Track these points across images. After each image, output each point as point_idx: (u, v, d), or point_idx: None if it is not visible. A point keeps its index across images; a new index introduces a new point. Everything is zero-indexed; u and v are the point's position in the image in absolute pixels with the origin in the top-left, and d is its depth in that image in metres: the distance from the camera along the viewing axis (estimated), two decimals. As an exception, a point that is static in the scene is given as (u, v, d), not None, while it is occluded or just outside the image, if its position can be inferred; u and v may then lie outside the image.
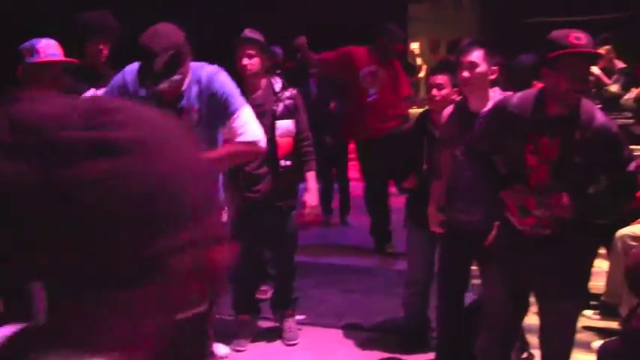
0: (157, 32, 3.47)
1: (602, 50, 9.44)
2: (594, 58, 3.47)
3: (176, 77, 3.42)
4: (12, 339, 0.83)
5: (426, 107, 5.03)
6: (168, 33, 3.48)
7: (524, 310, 3.88)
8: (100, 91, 4.99)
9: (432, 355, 4.60)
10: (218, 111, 3.73)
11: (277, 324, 5.40)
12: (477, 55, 4.17)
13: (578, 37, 3.35)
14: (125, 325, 0.84)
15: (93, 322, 0.82)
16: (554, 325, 3.78)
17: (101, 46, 4.97)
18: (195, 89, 3.68)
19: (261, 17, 11.89)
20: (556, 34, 3.44)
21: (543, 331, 3.86)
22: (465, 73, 4.17)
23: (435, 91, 4.66)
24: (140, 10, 7.35)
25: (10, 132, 0.79)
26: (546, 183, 3.52)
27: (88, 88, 4.99)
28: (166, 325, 0.87)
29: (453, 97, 4.56)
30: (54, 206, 0.77)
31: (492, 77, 4.23)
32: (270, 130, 4.82)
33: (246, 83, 4.79)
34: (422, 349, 4.95)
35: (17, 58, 3.74)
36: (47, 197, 0.77)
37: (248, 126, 3.76)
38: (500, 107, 3.71)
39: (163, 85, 3.40)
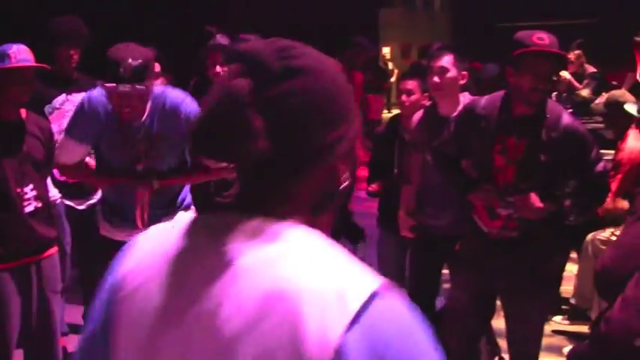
0: (128, 45, 3.54)
1: (572, 55, 9.53)
2: (557, 59, 3.49)
3: (139, 86, 3.40)
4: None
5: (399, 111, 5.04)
6: (138, 47, 3.54)
7: (489, 313, 3.89)
8: (72, 96, 4.97)
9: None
10: (180, 134, 3.72)
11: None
12: (447, 60, 4.19)
13: (541, 38, 3.40)
14: (310, 194, 1.24)
15: (289, 194, 1.23)
16: (521, 327, 3.78)
17: (72, 52, 4.96)
18: (156, 113, 3.72)
19: (226, 18, 11.92)
20: (520, 34, 3.49)
21: (510, 335, 3.86)
22: (436, 78, 4.19)
23: (404, 97, 4.68)
24: (109, 14, 7.31)
25: (237, 60, 1.23)
26: (513, 183, 3.54)
27: (59, 93, 4.96)
28: (335, 193, 1.27)
29: (423, 102, 4.57)
30: (265, 108, 1.17)
31: (462, 82, 4.25)
32: None
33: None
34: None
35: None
36: (259, 102, 1.17)
37: None
38: (468, 110, 3.75)
39: (124, 88, 3.37)
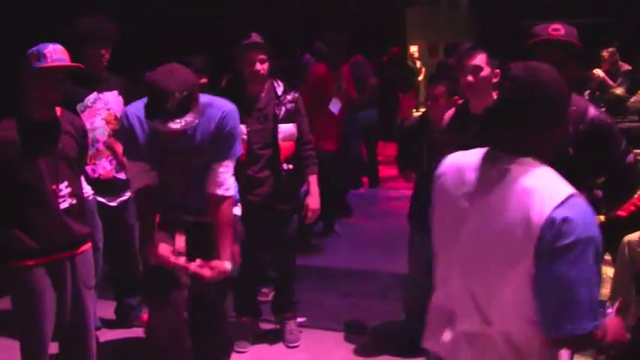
0: (172, 72, 3.43)
1: (605, 53, 9.44)
2: (571, 48, 3.47)
3: (188, 117, 3.36)
4: None
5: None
6: (182, 74, 3.45)
7: None
8: (103, 95, 5.04)
9: None
10: (218, 150, 3.76)
11: (278, 326, 5.43)
12: (480, 59, 4.18)
13: (557, 29, 3.41)
14: (546, 147, 2.31)
15: (537, 147, 2.29)
16: None
17: (102, 51, 5.03)
18: (203, 126, 3.68)
19: (246, 16, 11.95)
20: (539, 26, 3.49)
21: None
22: (470, 77, 4.17)
23: (429, 103, 4.72)
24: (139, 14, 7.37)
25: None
26: None
27: (90, 92, 5.02)
28: (558, 146, 2.39)
29: (451, 106, 4.58)
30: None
31: (495, 80, 4.23)
32: (272, 133, 4.87)
33: (249, 88, 4.82)
34: (422, 354, 4.95)
35: (20, 62, 3.76)
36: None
37: (229, 178, 3.84)
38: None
39: (175, 125, 3.33)
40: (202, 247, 3.73)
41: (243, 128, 4.72)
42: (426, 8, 22.55)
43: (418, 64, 17.63)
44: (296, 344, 5.26)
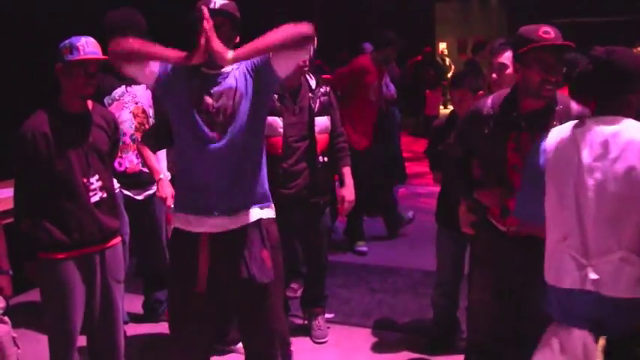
0: None
1: (635, 52, 9.32)
2: (564, 50, 3.44)
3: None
4: None
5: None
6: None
7: (512, 313, 3.82)
8: (131, 88, 5.04)
9: (460, 357, 4.56)
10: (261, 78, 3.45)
11: (306, 322, 5.42)
12: (507, 57, 4.16)
13: (547, 31, 3.37)
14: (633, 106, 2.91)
15: (628, 105, 2.89)
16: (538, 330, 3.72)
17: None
18: (239, 70, 3.45)
19: (279, 13, 11.93)
20: (525, 29, 3.45)
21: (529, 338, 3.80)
22: (494, 75, 4.16)
23: (455, 105, 4.71)
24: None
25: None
26: None
27: (119, 85, 5.04)
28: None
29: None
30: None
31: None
32: (309, 126, 4.87)
33: (290, 83, 4.83)
34: (450, 351, 4.94)
35: (54, 56, 3.78)
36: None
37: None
38: (474, 111, 3.71)
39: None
40: None
41: (279, 121, 4.75)
42: (457, 4, 22.46)
43: (447, 61, 17.59)
44: (324, 340, 5.25)
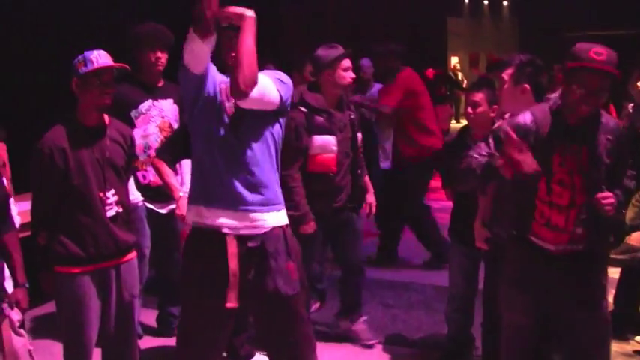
0: None
1: None
2: (611, 76, 3.41)
3: None
4: None
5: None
6: None
7: (549, 335, 3.79)
8: (158, 102, 5.08)
9: (474, 372, 4.58)
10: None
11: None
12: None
13: (599, 53, 3.33)
14: None
15: None
16: (587, 349, 3.64)
17: (158, 54, 5.06)
18: None
19: (290, 29, 11.96)
20: (580, 46, 3.41)
21: (574, 355, 3.71)
22: (469, 109, 4.20)
23: (470, 109, 4.66)
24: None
25: None
26: (579, 194, 3.48)
27: (145, 99, 5.07)
28: None
29: (491, 114, 4.55)
30: None
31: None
32: (353, 142, 5.08)
33: (335, 100, 4.99)
34: (464, 365, 4.93)
35: (69, 71, 3.82)
36: None
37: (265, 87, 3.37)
38: (515, 125, 3.59)
39: None
40: None
41: (332, 140, 4.92)
42: (468, 18, 22.47)
43: (460, 75, 17.59)
44: (375, 341, 5.40)
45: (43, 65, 6.70)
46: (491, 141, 3.73)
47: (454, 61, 19.50)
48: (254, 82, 3.24)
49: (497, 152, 3.60)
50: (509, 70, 4.07)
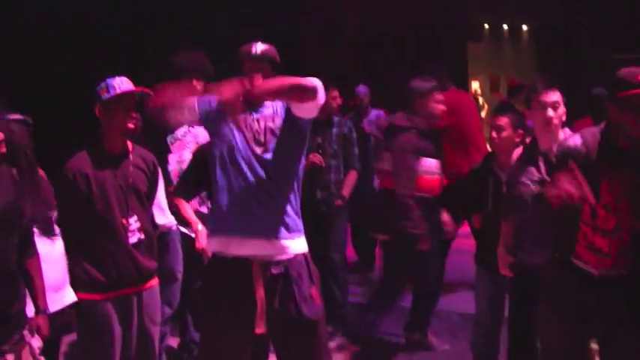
0: None
1: None
2: None
3: None
4: None
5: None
6: None
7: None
8: (193, 128, 5.11)
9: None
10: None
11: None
12: (558, 96, 4.13)
13: None
14: None
15: None
16: None
17: (194, 83, 5.05)
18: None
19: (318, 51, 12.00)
20: (625, 72, 3.40)
21: None
22: (550, 112, 4.11)
23: (494, 134, 4.63)
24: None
25: None
26: (626, 219, 3.42)
27: (181, 126, 5.09)
28: None
29: (515, 139, 4.52)
30: None
31: (564, 119, 4.18)
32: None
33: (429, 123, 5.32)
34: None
35: (92, 99, 3.84)
36: None
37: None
38: (563, 148, 3.59)
39: None
40: None
41: (434, 162, 5.25)
42: (489, 42, 22.44)
43: (480, 100, 17.52)
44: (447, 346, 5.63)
45: (69, 94, 6.75)
46: (542, 164, 3.69)
47: (475, 85, 19.42)
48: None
49: (548, 176, 3.58)
50: (556, 95, 4.07)
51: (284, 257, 3.42)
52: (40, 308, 3.72)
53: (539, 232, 4.04)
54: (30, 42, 6.90)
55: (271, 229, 3.40)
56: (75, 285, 3.83)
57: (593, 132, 3.57)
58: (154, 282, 4.01)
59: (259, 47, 3.53)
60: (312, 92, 3.36)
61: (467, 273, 5.38)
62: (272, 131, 3.48)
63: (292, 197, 3.49)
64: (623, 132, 3.39)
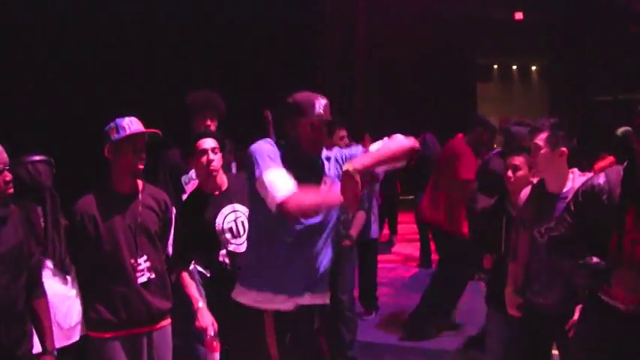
0: None
1: None
2: None
3: None
4: None
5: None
6: None
7: None
8: None
9: None
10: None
11: None
12: (541, 138, 4.14)
13: None
14: None
15: None
16: None
17: (208, 122, 5.11)
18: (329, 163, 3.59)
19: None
20: None
21: None
22: (509, 173, 4.17)
23: (510, 173, 4.64)
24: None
25: None
26: None
27: None
28: None
29: (531, 178, 4.52)
30: None
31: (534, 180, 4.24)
32: None
33: None
34: None
35: (101, 139, 3.87)
36: None
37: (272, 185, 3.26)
38: (589, 186, 3.59)
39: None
40: None
41: None
42: (498, 83, 22.56)
43: (490, 139, 17.57)
44: None
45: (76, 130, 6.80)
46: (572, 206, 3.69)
47: (484, 125, 19.51)
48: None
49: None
50: (543, 135, 4.06)
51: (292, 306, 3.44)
52: (48, 348, 3.72)
53: (551, 274, 4.04)
54: (38, 79, 7.00)
55: (310, 286, 3.47)
56: (86, 323, 3.85)
57: (617, 170, 3.57)
58: (166, 322, 4.02)
59: (322, 102, 3.46)
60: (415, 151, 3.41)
61: (472, 313, 5.33)
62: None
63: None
64: None
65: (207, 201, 4.27)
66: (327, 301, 3.52)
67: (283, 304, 3.40)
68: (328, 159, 3.55)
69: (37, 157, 3.96)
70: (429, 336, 6.86)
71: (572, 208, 3.63)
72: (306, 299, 3.42)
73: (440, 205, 7.00)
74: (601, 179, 3.55)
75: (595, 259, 3.53)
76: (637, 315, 3.46)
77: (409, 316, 7.04)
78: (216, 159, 4.25)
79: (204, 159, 4.23)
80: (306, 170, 3.40)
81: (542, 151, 4.09)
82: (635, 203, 3.43)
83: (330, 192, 3.35)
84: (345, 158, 3.50)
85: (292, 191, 3.19)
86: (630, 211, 3.43)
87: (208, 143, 4.26)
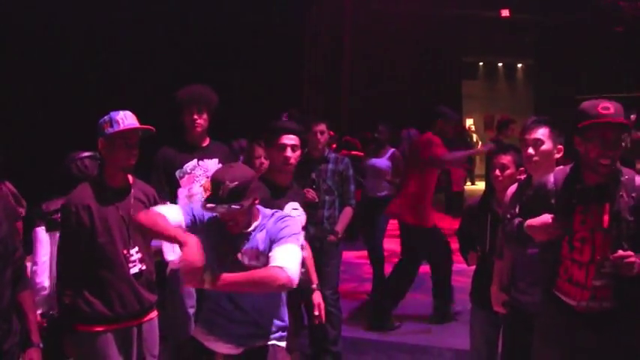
0: (232, 166, 3.64)
1: None
2: (623, 128, 3.48)
3: (235, 206, 3.43)
4: None
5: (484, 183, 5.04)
6: (240, 169, 3.60)
7: None
8: (203, 162, 5.15)
9: None
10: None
11: None
12: (542, 133, 4.17)
13: (606, 107, 3.44)
14: None
15: None
16: None
17: (195, 116, 5.12)
18: (262, 233, 3.63)
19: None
20: (586, 104, 3.53)
21: None
22: (530, 150, 4.17)
23: (497, 172, 4.66)
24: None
25: None
26: (603, 251, 3.48)
27: (191, 159, 5.13)
28: None
29: (518, 177, 4.55)
30: None
31: (558, 156, 4.22)
32: None
33: None
34: None
35: (95, 132, 3.88)
36: None
37: (285, 255, 3.49)
38: (539, 186, 3.72)
39: (221, 209, 3.45)
40: None
41: None
42: (483, 80, 22.62)
43: (475, 137, 17.63)
44: None
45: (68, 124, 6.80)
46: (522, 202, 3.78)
47: (469, 122, 19.59)
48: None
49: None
50: (543, 130, 4.12)
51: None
52: (34, 342, 3.71)
53: (535, 272, 4.08)
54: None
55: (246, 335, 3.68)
56: (76, 318, 3.83)
57: (565, 170, 3.68)
58: (154, 314, 4.04)
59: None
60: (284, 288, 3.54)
61: (460, 309, 5.37)
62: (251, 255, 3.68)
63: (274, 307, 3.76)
64: (589, 165, 3.49)
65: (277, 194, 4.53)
66: None
67: None
68: (262, 228, 3.64)
69: (85, 154, 4.35)
70: (391, 327, 7.12)
71: (524, 205, 3.78)
72: None
73: (406, 199, 7.17)
74: (550, 179, 3.68)
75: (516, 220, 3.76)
76: (587, 310, 3.54)
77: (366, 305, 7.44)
78: (294, 157, 4.50)
79: (282, 154, 4.49)
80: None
81: (544, 147, 4.14)
82: (581, 202, 3.52)
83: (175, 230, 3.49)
84: (272, 240, 3.59)
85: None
86: (578, 211, 3.53)
87: (290, 139, 4.46)
